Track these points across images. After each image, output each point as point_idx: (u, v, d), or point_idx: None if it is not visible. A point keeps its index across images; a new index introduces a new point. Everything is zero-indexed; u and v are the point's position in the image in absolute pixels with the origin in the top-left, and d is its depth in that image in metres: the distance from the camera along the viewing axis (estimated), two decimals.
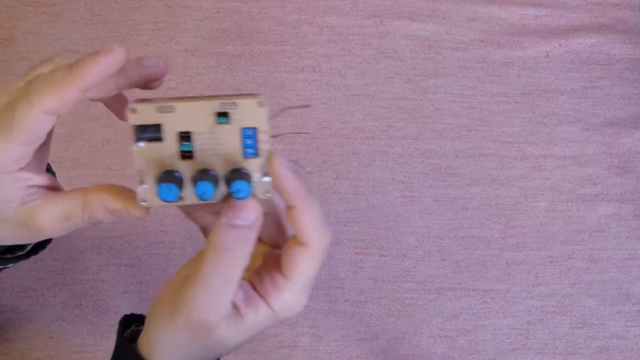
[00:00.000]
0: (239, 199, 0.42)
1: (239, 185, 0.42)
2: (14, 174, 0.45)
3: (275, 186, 0.43)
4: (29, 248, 0.55)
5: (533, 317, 0.74)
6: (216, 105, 0.42)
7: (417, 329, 0.73)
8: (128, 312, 0.72)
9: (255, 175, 0.44)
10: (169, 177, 0.42)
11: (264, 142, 0.43)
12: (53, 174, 0.57)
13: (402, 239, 0.76)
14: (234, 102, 0.42)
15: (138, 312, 0.72)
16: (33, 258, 0.57)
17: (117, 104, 0.51)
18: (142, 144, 0.43)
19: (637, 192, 0.80)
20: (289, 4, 0.85)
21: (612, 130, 0.82)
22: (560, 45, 0.85)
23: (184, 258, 0.73)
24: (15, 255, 0.54)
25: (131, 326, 0.51)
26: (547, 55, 0.85)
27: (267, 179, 0.44)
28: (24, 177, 0.46)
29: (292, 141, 0.79)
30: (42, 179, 0.47)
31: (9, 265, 0.56)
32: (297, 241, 0.44)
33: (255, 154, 0.43)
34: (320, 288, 0.73)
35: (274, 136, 0.44)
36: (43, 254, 0.59)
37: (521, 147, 0.81)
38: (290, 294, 0.45)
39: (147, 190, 0.43)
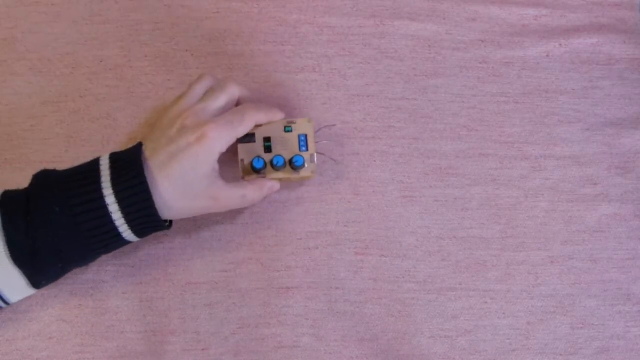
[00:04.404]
0: (297, 165, 0.71)
1: (297, 158, 0.71)
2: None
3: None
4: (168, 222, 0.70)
5: (533, 317, 0.74)
6: (284, 122, 0.72)
7: (417, 329, 0.73)
8: (128, 312, 0.72)
9: (305, 160, 0.72)
10: (257, 159, 0.71)
11: (311, 143, 0.73)
12: None
13: (402, 239, 0.76)
14: (294, 121, 0.73)
15: (138, 312, 0.72)
16: None
17: None
18: (242, 143, 0.72)
19: (637, 192, 0.80)
20: (289, 4, 0.85)
21: (612, 130, 0.82)
22: (560, 45, 0.85)
23: (184, 258, 0.74)
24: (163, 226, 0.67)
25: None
26: (547, 55, 0.85)
27: (310, 164, 0.72)
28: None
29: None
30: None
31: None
32: None
33: (306, 149, 0.72)
34: (320, 288, 0.73)
35: (316, 142, 0.76)
36: None
37: (521, 147, 0.81)
38: None
39: (244, 167, 0.72)
